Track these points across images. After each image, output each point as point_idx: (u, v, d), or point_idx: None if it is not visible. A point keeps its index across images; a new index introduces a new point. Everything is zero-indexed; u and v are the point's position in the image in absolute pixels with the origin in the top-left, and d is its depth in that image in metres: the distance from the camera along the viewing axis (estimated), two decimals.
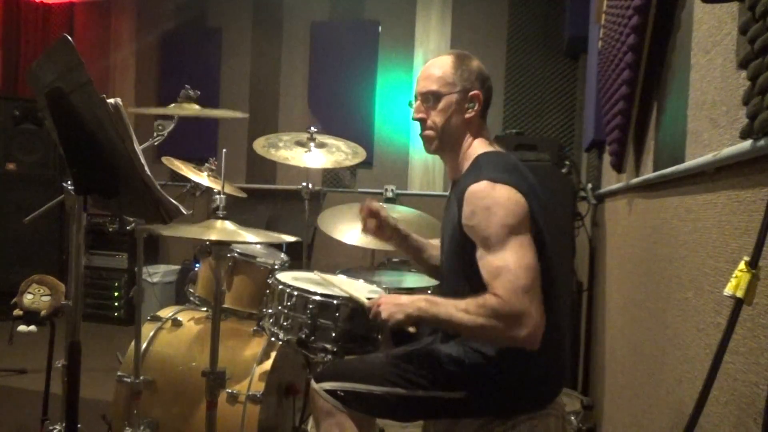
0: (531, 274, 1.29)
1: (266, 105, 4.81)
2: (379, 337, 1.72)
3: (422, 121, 1.55)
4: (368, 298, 1.72)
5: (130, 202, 1.28)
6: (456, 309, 1.33)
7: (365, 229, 1.77)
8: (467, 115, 1.52)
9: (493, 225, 1.32)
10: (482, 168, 1.44)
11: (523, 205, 1.35)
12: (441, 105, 1.52)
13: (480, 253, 1.35)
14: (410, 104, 1.60)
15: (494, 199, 1.34)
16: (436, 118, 1.52)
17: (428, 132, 1.55)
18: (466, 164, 1.53)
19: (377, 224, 1.74)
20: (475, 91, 1.52)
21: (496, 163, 1.45)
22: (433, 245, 1.79)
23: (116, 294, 4.60)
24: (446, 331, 1.48)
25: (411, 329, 1.44)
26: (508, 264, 1.29)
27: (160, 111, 2.04)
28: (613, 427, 2.15)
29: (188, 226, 1.85)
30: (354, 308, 1.69)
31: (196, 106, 2.11)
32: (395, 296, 1.49)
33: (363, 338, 1.70)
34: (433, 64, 1.56)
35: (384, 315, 1.42)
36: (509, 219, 1.32)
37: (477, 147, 1.54)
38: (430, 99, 1.53)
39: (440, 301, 1.39)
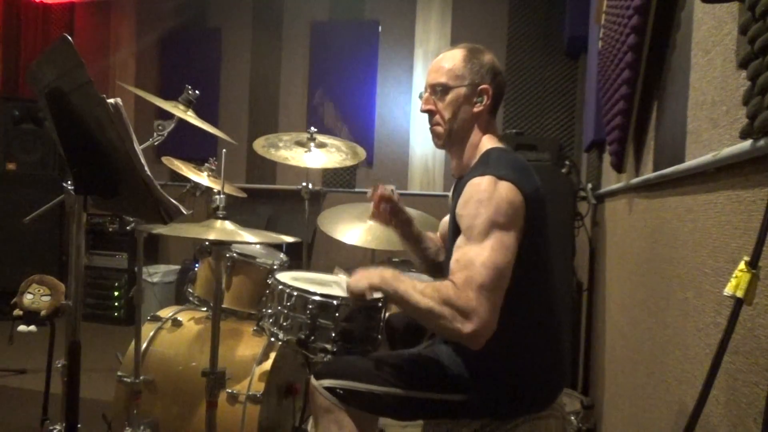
0: (495, 275, 1.27)
1: (266, 105, 4.81)
2: (379, 337, 1.72)
3: (430, 114, 1.55)
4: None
5: (130, 202, 1.28)
6: (414, 289, 1.33)
7: (377, 216, 1.74)
8: (476, 109, 1.51)
9: (480, 218, 1.31)
10: (490, 163, 1.43)
11: (518, 206, 1.33)
12: (449, 98, 1.51)
13: (459, 241, 1.35)
14: (420, 96, 1.58)
15: (490, 195, 1.33)
16: (444, 111, 1.52)
17: (436, 126, 1.54)
18: (474, 159, 1.51)
19: (391, 209, 1.71)
20: (485, 85, 1.50)
21: (505, 160, 1.43)
22: (431, 238, 1.79)
23: (116, 294, 4.60)
24: (401, 310, 1.45)
25: (376, 294, 1.44)
26: (477, 258, 1.28)
27: (161, 103, 2.04)
28: (613, 427, 2.15)
29: (188, 226, 1.85)
30: (353, 309, 1.69)
31: (192, 114, 2.11)
32: (365, 270, 1.49)
33: (362, 338, 1.70)
34: (444, 56, 1.55)
35: (351, 286, 1.45)
36: (498, 216, 1.31)
37: (486, 142, 1.52)
38: (438, 91, 1.52)
39: (405, 279, 1.38)
